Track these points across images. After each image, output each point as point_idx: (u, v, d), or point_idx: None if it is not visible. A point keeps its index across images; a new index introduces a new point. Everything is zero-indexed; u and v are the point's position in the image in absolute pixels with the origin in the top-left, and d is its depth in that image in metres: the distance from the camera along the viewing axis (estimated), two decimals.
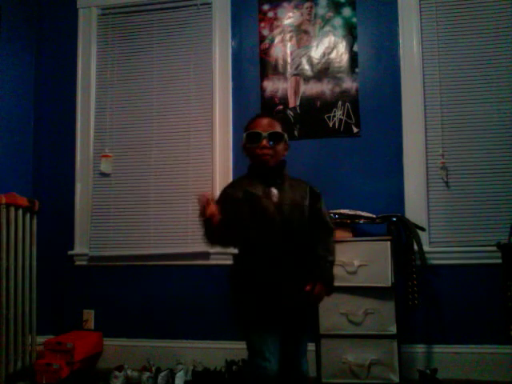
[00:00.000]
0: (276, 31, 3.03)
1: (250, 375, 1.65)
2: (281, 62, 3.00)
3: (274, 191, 1.67)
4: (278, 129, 1.70)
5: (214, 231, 1.59)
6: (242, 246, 1.72)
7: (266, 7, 3.05)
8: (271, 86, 3.00)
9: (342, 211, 2.60)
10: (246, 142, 1.70)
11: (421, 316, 2.71)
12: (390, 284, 2.43)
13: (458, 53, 2.83)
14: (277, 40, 3.02)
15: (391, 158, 2.84)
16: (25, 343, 2.70)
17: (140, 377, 2.62)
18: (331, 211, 2.60)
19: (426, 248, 2.66)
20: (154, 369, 2.64)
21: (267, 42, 3.03)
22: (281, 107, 2.96)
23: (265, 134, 1.66)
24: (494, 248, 2.42)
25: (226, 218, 1.59)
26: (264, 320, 1.63)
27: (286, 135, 1.72)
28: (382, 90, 2.89)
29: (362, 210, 2.64)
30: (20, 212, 2.70)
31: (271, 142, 1.66)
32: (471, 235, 2.73)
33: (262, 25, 3.05)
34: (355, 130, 2.89)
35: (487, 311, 2.64)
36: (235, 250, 1.79)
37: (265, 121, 1.70)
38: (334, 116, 2.91)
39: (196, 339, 2.90)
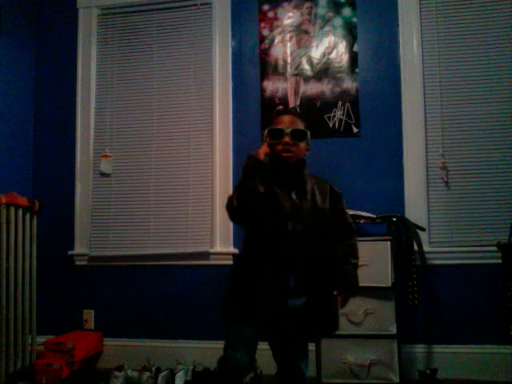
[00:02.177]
0: (276, 31, 3.03)
1: (218, 364, 1.66)
2: (281, 62, 3.00)
3: (293, 194, 1.63)
4: (301, 126, 1.67)
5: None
6: (252, 240, 1.67)
7: (265, 7, 3.05)
8: (271, 86, 3.00)
9: None
10: (268, 139, 1.66)
11: (421, 316, 2.71)
12: (390, 284, 2.43)
13: (458, 53, 2.83)
14: (277, 40, 3.02)
15: (391, 157, 2.84)
16: (25, 343, 2.70)
17: (140, 377, 2.62)
18: None
19: (425, 248, 2.66)
20: (154, 369, 2.64)
21: (267, 42, 3.03)
22: (281, 107, 2.96)
23: (287, 130, 1.63)
24: (494, 248, 2.42)
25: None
26: (247, 315, 1.62)
27: (308, 133, 1.69)
28: (381, 90, 2.89)
29: (362, 210, 2.64)
30: (20, 212, 2.70)
31: (293, 140, 1.63)
32: (471, 235, 2.73)
33: (262, 25, 3.05)
34: (355, 130, 2.89)
35: (487, 311, 2.65)
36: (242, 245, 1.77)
37: (288, 118, 1.68)
38: (334, 116, 2.91)
39: (196, 339, 2.90)
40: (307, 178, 1.69)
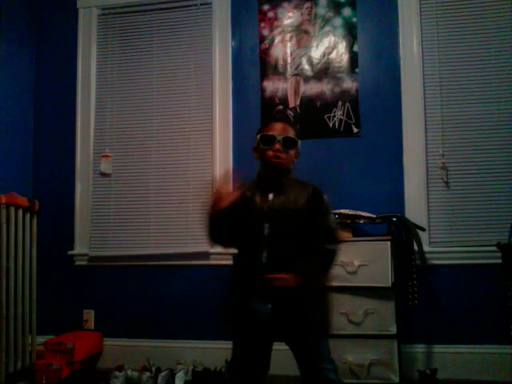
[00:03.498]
0: (276, 31, 3.03)
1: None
2: (281, 62, 3.00)
3: (270, 196, 1.65)
4: (292, 135, 1.69)
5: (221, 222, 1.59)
6: (237, 248, 1.73)
7: (265, 7, 3.05)
8: (271, 86, 3.00)
9: (342, 211, 2.60)
10: (260, 144, 1.69)
11: (421, 316, 2.71)
12: (389, 284, 2.43)
13: (458, 53, 2.83)
14: (277, 40, 3.02)
15: (391, 157, 2.84)
16: (25, 343, 2.70)
17: (140, 377, 2.62)
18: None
19: (425, 248, 2.66)
20: (154, 369, 2.64)
21: (267, 42, 3.03)
22: (281, 107, 2.96)
23: (279, 137, 1.65)
24: (494, 248, 2.42)
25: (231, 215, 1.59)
26: (245, 331, 1.61)
27: (299, 142, 1.71)
28: (382, 90, 2.89)
29: (362, 210, 2.64)
30: (20, 212, 2.70)
31: (284, 147, 1.65)
32: (471, 235, 2.73)
33: (262, 25, 3.05)
34: (355, 130, 2.89)
35: (487, 311, 2.64)
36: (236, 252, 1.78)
37: (280, 125, 1.70)
38: (334, 116, 2.91)
39: (196, 339, 2.90)
40: (287, 182, 1.69)
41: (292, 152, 1.69)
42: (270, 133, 1.67)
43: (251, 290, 1.58)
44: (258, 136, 1.70)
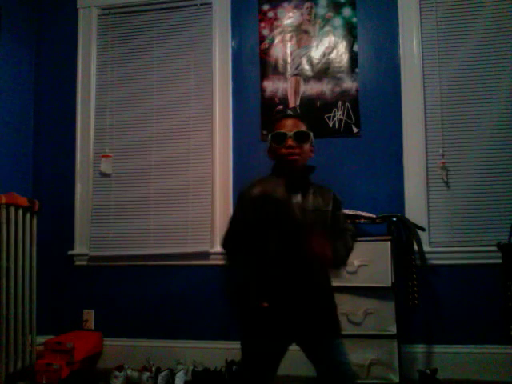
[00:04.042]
0: (276, 31, 3.03)
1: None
2: (281, 62, 3.00)
3: (298, 197, 1.62)
4: (304, 128, 1.67)
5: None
6: (260, 252, 1.60)
7: (265, 7, 3.05)
8: (271, 86, 3.00)
9: None
10: (272, 143, 1.66)
11: (421, 316, 2.71)
12: (389, 284, 2.43)
13: (458, 53, 2.83)
14: (277, 40, 3.02)
15: (391, 157, 2.84)
16: (25, 343, 2.70)
17: (140, 377, 2.62)
18: None
19: (426, 248, 2.66)
20: (154, 369, 2.64)
21: (267, 42, 3.03)
22: (281, 107, 2.96)
23: (290, 133, 1.63)
24: (494, 248, 2.42)
25: (247, 221, 1.55)
26: (268, 332, 1.57)
27: (312, 134, 1.69)
28: (381, 90, 2.89)
29: (362, 210, 2.64)
30: (20, 212, 2.70)
31: (297, 142, 1.62)
32: (471, 235, 2.73)
33: (262, 25, 3.05)
34: (355, 130, 2.89)
35: (487, 311, 2.65)
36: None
37: (290, 121, 1.68)
38: (334, 116, 2.91)
39: (196, 339, 2.90)
40: (311, 183, 1.69)
41: (306, 146, 1.67)
42: (281, 130, 1.64)
43: (279, 292, 1.55)
44: (270, 136, 1.67)
